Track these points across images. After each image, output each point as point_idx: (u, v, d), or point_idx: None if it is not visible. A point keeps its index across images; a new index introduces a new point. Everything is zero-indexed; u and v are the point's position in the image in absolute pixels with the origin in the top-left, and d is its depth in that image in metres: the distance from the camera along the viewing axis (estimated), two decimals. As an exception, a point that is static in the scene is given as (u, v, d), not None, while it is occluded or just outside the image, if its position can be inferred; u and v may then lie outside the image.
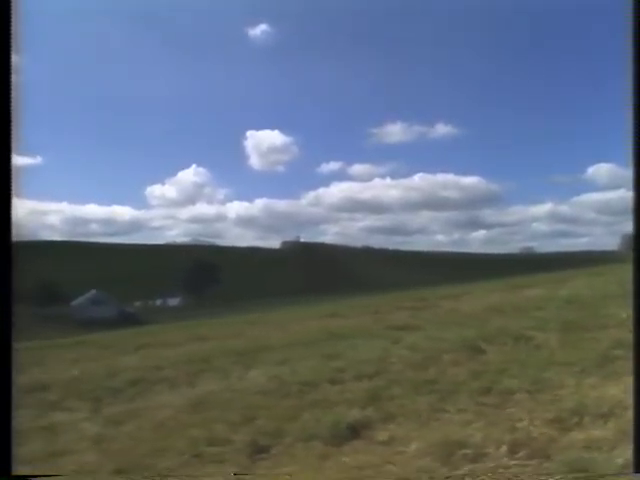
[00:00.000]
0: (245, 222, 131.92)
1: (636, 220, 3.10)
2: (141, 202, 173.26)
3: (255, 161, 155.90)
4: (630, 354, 3.47)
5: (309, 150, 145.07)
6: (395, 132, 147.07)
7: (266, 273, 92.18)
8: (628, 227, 3.17)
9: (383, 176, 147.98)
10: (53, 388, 8.55)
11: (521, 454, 3.97)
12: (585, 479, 3.56)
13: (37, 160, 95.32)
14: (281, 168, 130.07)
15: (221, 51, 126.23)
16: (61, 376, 9.77)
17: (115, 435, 5.69)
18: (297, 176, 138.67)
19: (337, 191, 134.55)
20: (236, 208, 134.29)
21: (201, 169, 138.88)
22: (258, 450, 4.71)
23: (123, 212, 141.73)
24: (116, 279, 78.61)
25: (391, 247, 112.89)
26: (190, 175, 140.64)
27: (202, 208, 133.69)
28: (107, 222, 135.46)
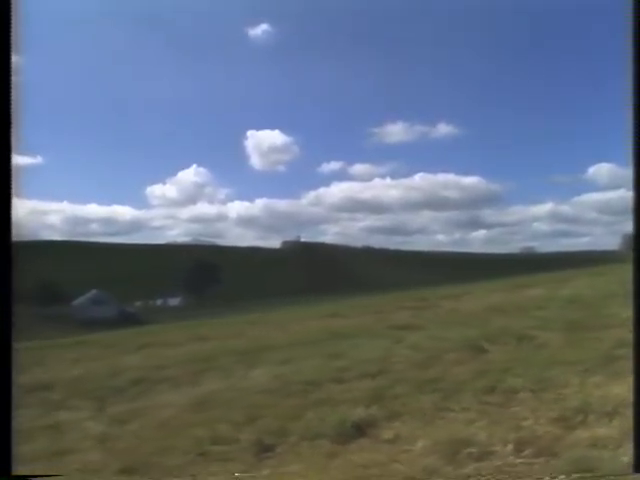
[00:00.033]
0: (246, 222, 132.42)
1: (636, 220, 3.09)
2: (142, 202, 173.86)
3: (256, 161, 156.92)
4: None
5: (309, 150, 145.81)
6: (395, 132, 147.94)
7: (267, 273, 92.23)
8: (628, 227, 3.16)
9: (383, 176, 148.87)
10: (56, 387, 8.51)
11: (527, 452, 3.97)
12: (586, 478, 3.56)
13: (37, 160, 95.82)
14: (282, 168, 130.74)
15: (222, 52, 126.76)
16: (63, 375, 9.74)
17: (119, 434, 5.67)
18: (297, 176, 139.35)
19: (337, 191, 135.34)
20: (237, 208, 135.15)
21: (202, 169, 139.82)
22: (263, 449, 4.70)
23: (124, 212, 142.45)
24: (117, 279, 78.67)
25: (391, 247, 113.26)
26: (191, 175, 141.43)
27: (203, 208, 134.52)
28: (107, 222, 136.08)
